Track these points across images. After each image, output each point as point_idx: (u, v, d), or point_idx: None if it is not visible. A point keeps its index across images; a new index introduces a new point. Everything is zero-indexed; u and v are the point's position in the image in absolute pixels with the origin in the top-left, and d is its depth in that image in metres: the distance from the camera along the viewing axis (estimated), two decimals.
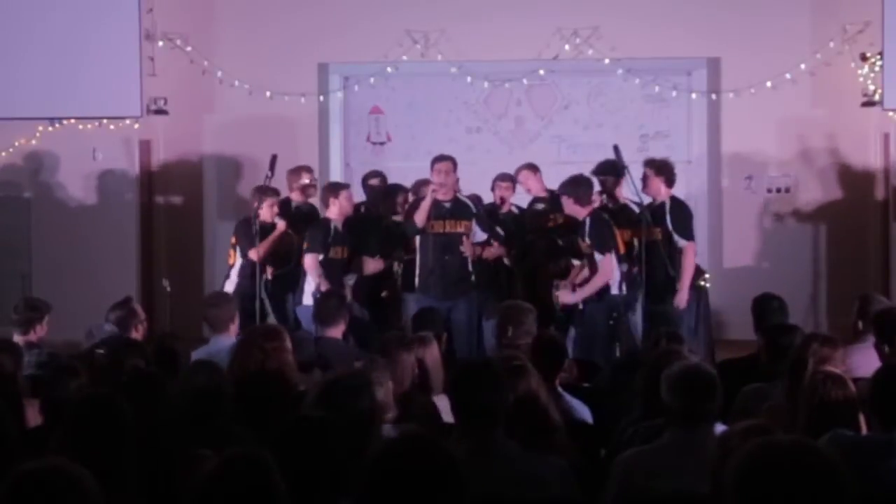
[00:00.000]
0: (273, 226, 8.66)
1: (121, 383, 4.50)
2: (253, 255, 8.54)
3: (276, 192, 8.88)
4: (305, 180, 9.20)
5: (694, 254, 8.39)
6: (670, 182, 8.46)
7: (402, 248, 8.77)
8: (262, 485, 2.87)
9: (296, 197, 9.17)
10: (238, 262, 8.70)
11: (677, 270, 8.22)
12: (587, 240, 8.18)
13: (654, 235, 8.26)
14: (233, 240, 8.84)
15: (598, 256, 8.14)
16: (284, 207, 8.94)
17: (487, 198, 9.40)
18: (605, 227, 8.21)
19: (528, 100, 11.41)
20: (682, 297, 8.20)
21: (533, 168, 9.30)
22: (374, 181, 9.61)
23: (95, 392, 3.93)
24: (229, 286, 8.56)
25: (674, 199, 8.46)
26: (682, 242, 8.29)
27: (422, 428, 4.11)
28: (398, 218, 9.01)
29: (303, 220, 8.95)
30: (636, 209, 8.49)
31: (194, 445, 3.77)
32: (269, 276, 8.71)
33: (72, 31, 10.59)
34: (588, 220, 8.20)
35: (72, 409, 3.65)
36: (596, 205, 8.54)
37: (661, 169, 8.45)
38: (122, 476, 3.41)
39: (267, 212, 8.69)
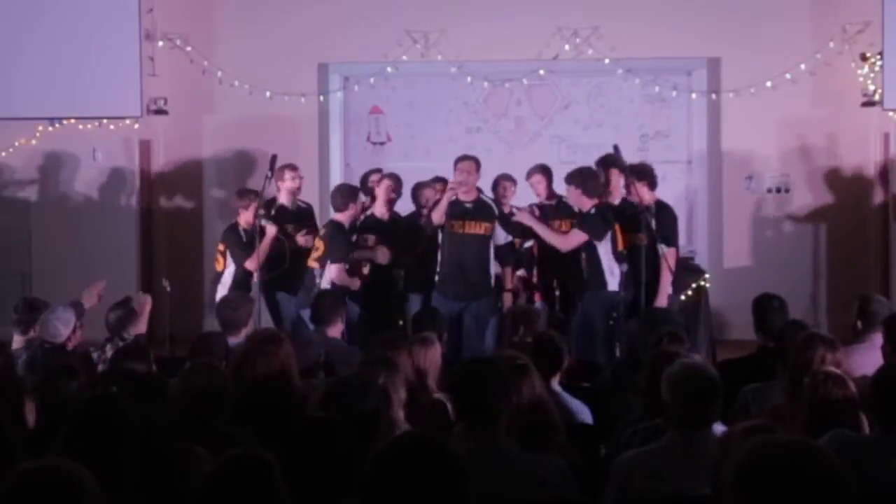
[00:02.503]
0: (262, 229, 8.66)
1: (121, 384, 4.50)
2: (250, 265, 8.51)
3: (256, 195, 8.80)
4: (290, 180, 8.97)
5: (674, 259, 8.30)
6: (653, 185, 8.43)
7: (410, 249, 8.73)
8: (265, 484, 2.87)
9: (284, 197, 8.99)
10: (229, 268, 8.66)
11: (656, 275, 8.19)
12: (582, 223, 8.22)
13: (638, 241, 8.24)
14: (221, 247, 8.79)
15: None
16: (268, 207, 8.86)
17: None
18: (603, 220, 8.22)
19: (528, 100, 11.41)
20: (661, 300, 8.17)
21: (545, 171, 9.14)
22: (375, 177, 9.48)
23: (100, 394, 3.92)
24: (221, 291, 8.52)
25: (659, 204, 8.41)
26: (662, 248, 8.24)
27: (429, 428, 4.11)
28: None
29: (294, 220, 8.90)
30: (635, 204, 8.48)
31: (193, 446, 3.77)
32: (257, 279, 8.71)
33: (72, 31, 10.60)
34: (593, 211, 8.24)
35: (76, 410, 3.64)
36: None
37: (642, 173, 8.41)
38: (124, 477, 3.40)
39: (251, 216, 8.66)
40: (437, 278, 8.52)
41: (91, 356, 6.32)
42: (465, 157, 8.58)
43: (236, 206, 8.86)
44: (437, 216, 8.38)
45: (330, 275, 8.27)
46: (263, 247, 8.51)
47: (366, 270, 8.46)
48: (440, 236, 8.51)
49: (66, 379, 4.97)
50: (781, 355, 5.54)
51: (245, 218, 8.72)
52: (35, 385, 5.06)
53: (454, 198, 8.39)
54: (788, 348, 5.41)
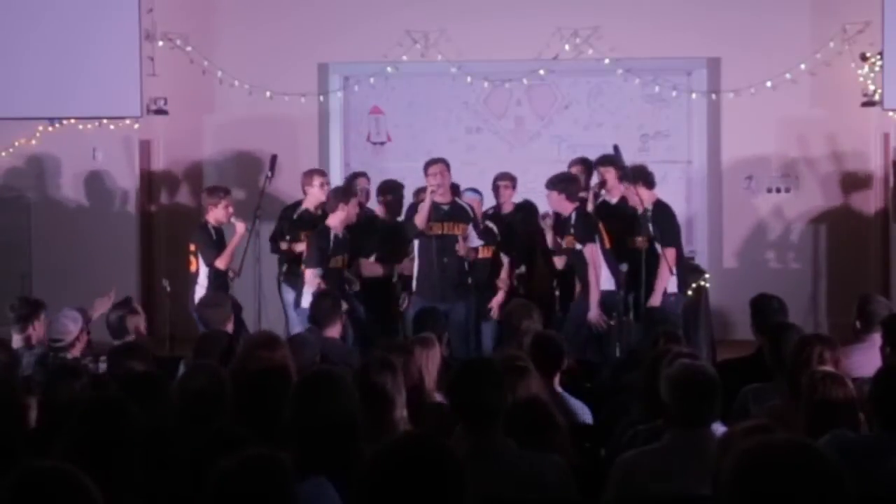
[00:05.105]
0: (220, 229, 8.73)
1: (122, 384, 4.49)
2: (219, 263, 8.53)
3: (227, 192, 8.86)
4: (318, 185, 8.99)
5: (673, 259, 8.27)
6: (650, 184, 8.43)
7: (403, 252, 8.76)
8: (279, 485, 2.87)
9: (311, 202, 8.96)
10: (202, 269, 8.64)
11: (652, 274, 8.19)
12: (572, 231, 8.23)
13: (638, 245, 8.23)
14: (192, 247, 8.74)
15: (578, 247, 8.18)
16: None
17: (489, 196, 9.39)
18: (589, 220, 8.28)
19: (528, 100, 11.41)
20: (655, 299, 8.16)
21: (586, 163, 9.10)
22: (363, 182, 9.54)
23: (105, 394, 3.91)
24: (199, 291, 8.50)
25: (658, 204, 8.40)
26: (660, 248, 8.25)
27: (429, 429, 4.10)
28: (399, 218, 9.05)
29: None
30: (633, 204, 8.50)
31: (195, 447, 3.76)
32: (234, 277, 8.76)
33: (72, 31, 10.59)
34: (574, 215, 8.29)
35: (80, 411, 3.63)
36: (597, 199, 8.61)
37: (637, 175, 8.42)
38: (129, 478, 3.40)
39: (221, 213, 8.68)
40: (414, 284, 8.56)
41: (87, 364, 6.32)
42: (433, 161, 8.62)
43: (206, 203, 8.85)
44: (421, 221, 8.43)
45: (305, 277, 8.32)
46: (232, 245, 8.61)
47: (355, 287, 8.54)
48: (417, 242, 8.55)
49: (68, 379, 4.97)
50: (774, 356, 5.56)
51: (214, 216, 8.72)
52: (40, 384, 5.07)
53: (432, 202, 8.43)
54: (780, 350, 5.44)
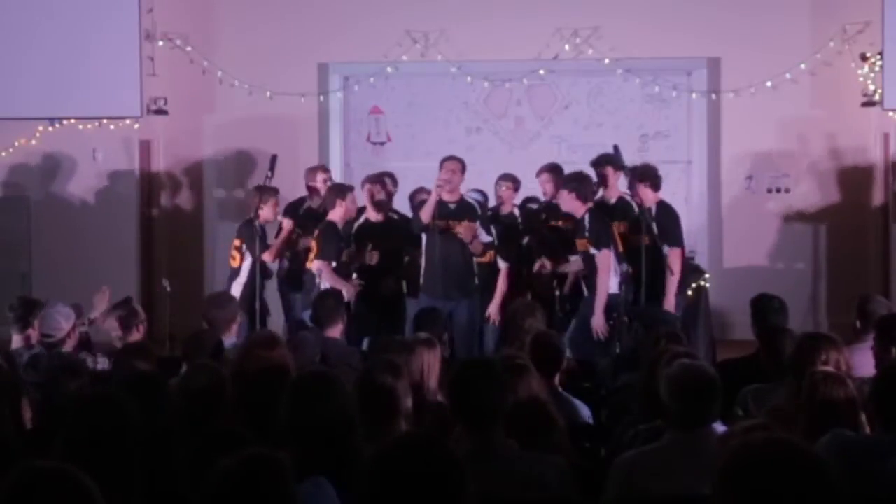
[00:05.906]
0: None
1: (122, 383, 4.49)
2: (267, 256, 8.65)
3: (275, 192, 8.94)
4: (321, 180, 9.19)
5: (680, 259, 8.27)
6: (656, 186, 8.39)
7: (411, 246, 8.75)
8: (279, 485, 2.88)
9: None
10: (246, 263, 8.69)
11: (657, 275, 8.16)
12: (586, 235, 8.17)
13: (639, 242, 8.21)
14: (237, 242, 8.82)
15: (593, 251, 8.13)
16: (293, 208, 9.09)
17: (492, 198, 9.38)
18: (604, 223, 8.21)
19: (528, 100, 11.41)
20: (668, 302, 8.14)
21: (555, 171, 9.02)
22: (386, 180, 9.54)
23: (102, 392, 3.90)
24: (236, 288, 8.55)
25: (660, 205, 8.37)
26: (666, 249, 8.23)
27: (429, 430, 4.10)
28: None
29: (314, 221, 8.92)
30: (632, 203, 8.47)
31: (195, 447, 3.76)
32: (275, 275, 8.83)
33: (72, 31, 10.60)
34: (587, 216, 8.19)
35: (77, 409, 3.63)
36: (597, 196, 8.58)
37: (644, 174, 8.38)
38: (129, 478, 3.39)
39: (269, 211, 8.75)
40: (422, 280, 8.56)
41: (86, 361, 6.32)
42: (450, 158, 8.63)
43: (256, 202, 8.81)
44: (426, 215, 8.41)
45: (315, 270, 8.34)
46: (280, 240, 8.78)
47: (354, 278, 8.51)
48: (423, 238, 8.53)
49: (67, 379, 4.96)
50: (770, 360, 5.56)
51: (264, 214, 8.76)
52: (36, 384, 5.06)
53: (439, 197, 8.42)
54: (776, 353, 5.43)
